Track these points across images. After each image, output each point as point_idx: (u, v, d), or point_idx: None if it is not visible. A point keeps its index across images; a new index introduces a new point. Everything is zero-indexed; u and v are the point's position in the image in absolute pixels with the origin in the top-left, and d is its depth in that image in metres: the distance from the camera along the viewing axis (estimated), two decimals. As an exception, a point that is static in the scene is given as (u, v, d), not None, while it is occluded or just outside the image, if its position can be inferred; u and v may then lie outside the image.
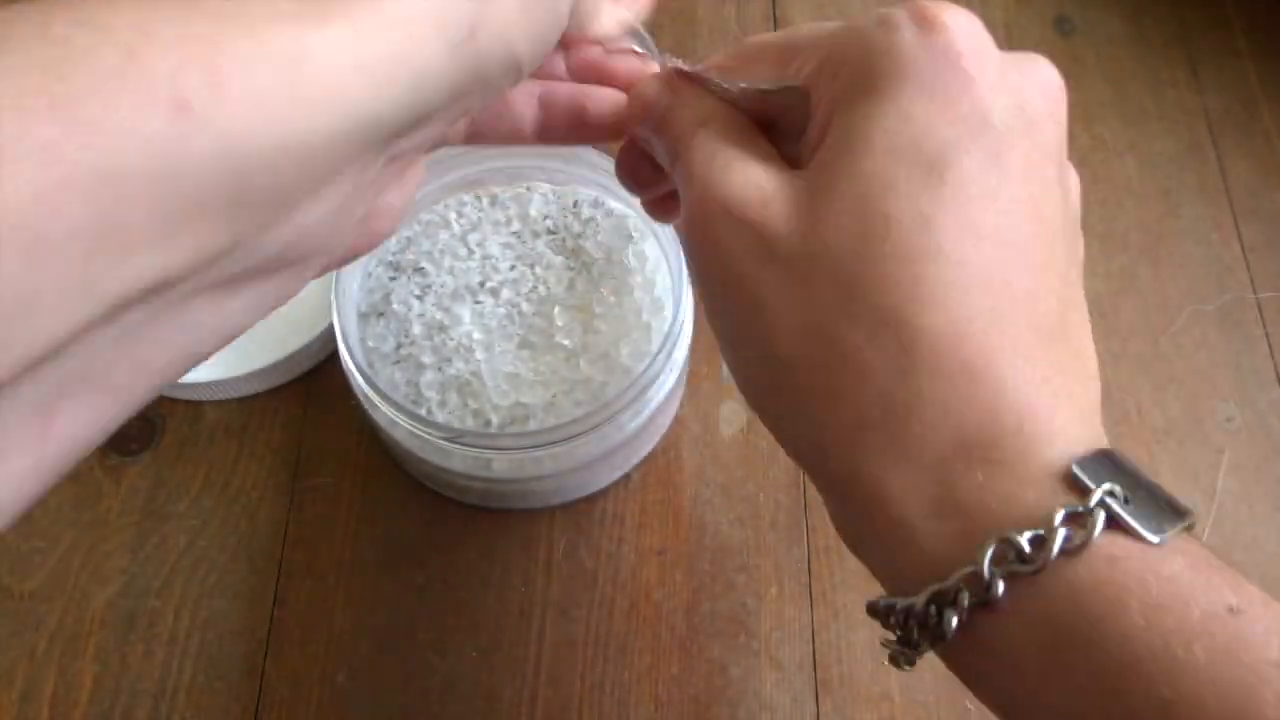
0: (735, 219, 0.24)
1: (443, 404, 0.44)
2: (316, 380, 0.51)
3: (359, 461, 0.49)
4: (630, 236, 0.48)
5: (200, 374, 0.48)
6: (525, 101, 0.30)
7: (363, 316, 0.46)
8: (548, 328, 0.45)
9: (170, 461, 0.49)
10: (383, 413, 0.42)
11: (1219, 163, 0.58)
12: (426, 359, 0.44)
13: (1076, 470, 0.21)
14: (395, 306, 0.46)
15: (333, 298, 0.43)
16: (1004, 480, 0.21)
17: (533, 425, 0.44)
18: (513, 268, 0.47)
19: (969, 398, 0.22)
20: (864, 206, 0.23)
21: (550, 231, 0.48)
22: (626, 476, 0.49)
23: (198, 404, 0.50)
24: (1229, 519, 0.48)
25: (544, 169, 0.49)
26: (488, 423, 0.44)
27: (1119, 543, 0.21)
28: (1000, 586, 0.20)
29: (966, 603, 0.21)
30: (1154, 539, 0.21)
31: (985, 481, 0.22)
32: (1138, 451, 0.50)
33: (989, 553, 0.21)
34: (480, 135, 0.30)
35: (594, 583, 0.47)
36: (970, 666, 0.22)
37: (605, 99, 0.30)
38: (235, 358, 0.49)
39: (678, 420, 0.50)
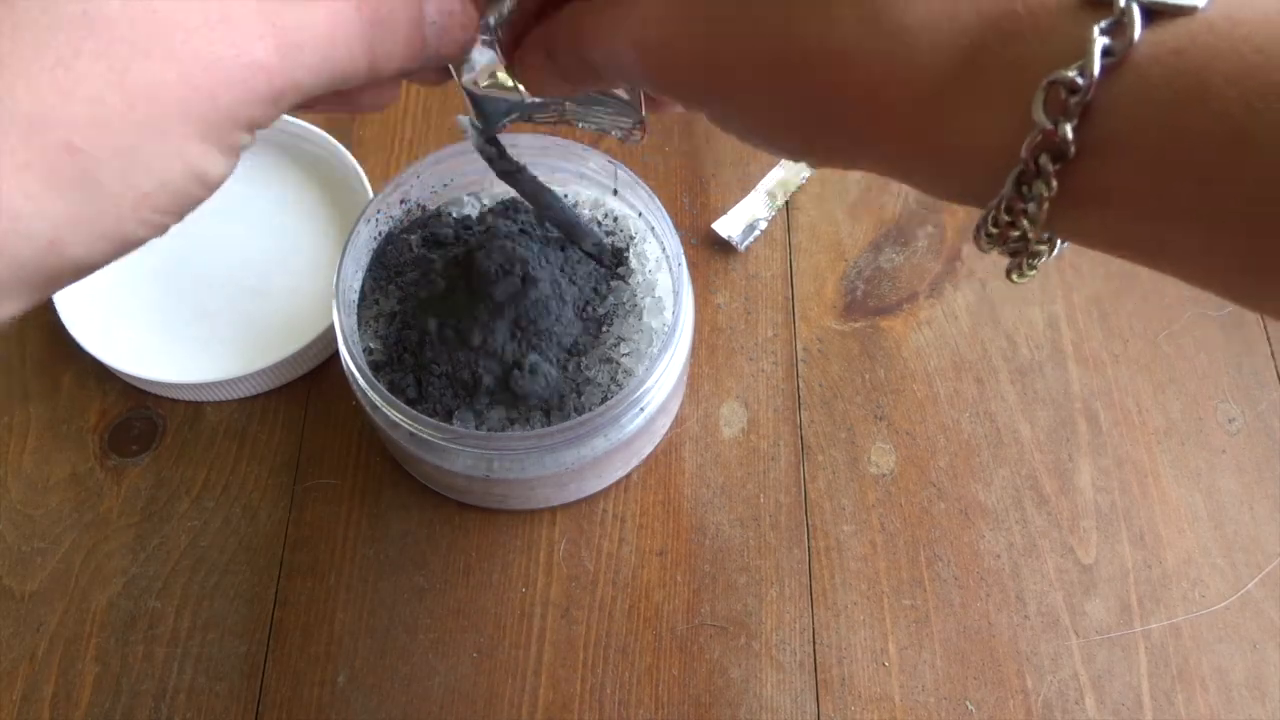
0: None
1: (443, 405, 0.44)
2: (317, 381, 0.51)
3: (359, 462, 0.49)
4: (630, 237, 0.48)
5: (200, 375, 0.48)
6: None
7: (363, 317, 0.46)
8: (548, 329, 0.45)
9: (171, 462, 0.49)
10: (383, 413, 0.42)
11: (1219, 163, 0.58)
12: (426, 359, 0.44)
13: None
14: (395, 307, 0.46)
15: (333, 298, 0.43)
16: (1042, 27, 0.21)
17: (533, 426, 0.44)
18: (512, 269, 0.46)
19: None
20: None
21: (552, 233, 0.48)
22: (627, 477, 0.49)
23: (198, 405, 0.50)
24: (1230, 520, 0.48)
25: (544, 169, 0.49)
26: (488, 423, 0.44)
27: (1171, 30, 0.20)
28: (1096, 63, 0.20)
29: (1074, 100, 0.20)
30: (1199, 2, 0.20)
31: (1022, 39, 0.21)
32: (1138, 452, 0.50)
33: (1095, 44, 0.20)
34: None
35: (594, 583, 0.47)
36: (1089, 188, 0.21)
37: (369, 92, 0.29)
38: (235, 359, 0.49)
39: (678, 421, 0.50)
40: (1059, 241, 0.24)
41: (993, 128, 0.22)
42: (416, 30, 0.27)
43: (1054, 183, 0.21)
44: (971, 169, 0.23)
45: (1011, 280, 0.25)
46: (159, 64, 0.22)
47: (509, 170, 0.40)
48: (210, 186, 0.24)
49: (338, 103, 0.29)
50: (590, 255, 0.45)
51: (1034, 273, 0.25)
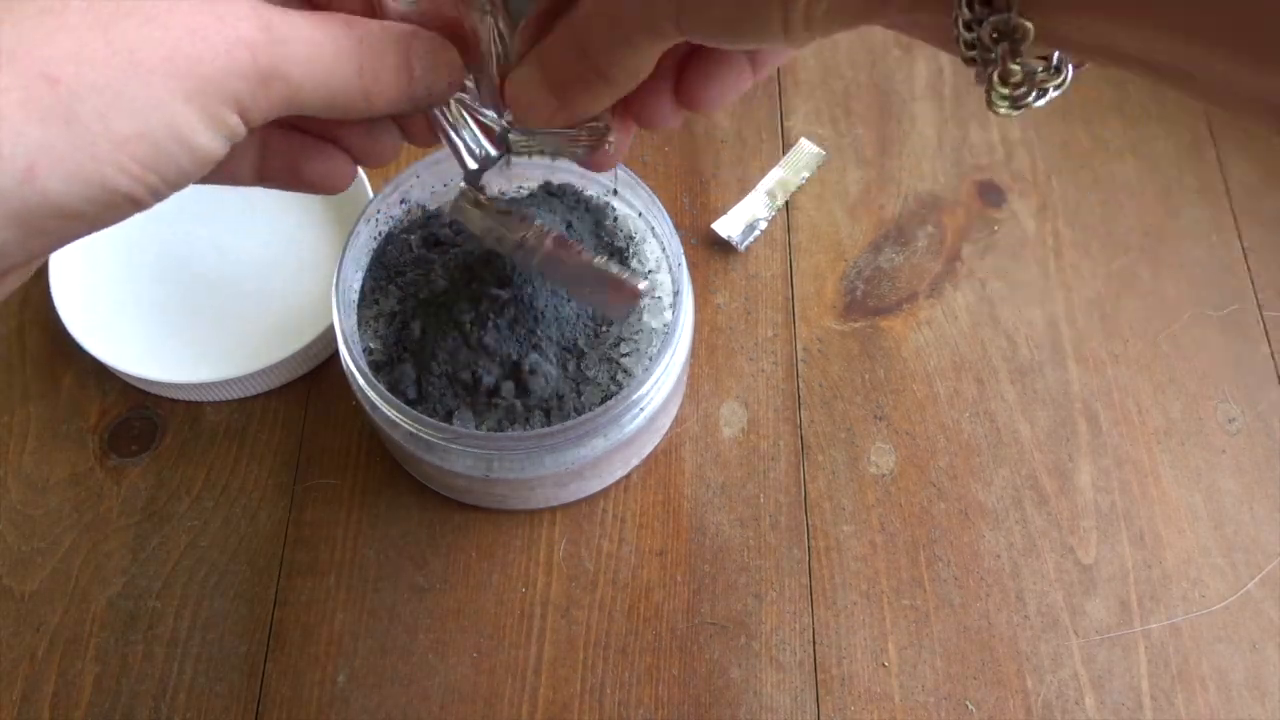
0: None
1: (443, 405, 0.44)
2: (316, 380, 0.51)
3: (359, 462, 0.49)
4: (630, 238, 0.48)
5: (200, 375, 0.48)
6: (246, 146, 0.29)
7: (363, 317, 0.46)
8: (548, 329, 0.45)
9: (171, 462, 0.49)
10: (383, 413, 0.42)
11: (1219, 163, 0.58)
12: (426, 360, 0.44)
13: None
14: (395, 307, 0.46)
15: (333, 298, 0.43)
16: None
17: (533, 426, 0.44)
18: (513, 269, 0.46)
19: None
20: None
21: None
22: (627, 477, 0.49)
23: (198, 405, 0.50)
24: (1230, 520, 0.48)
25: (544, 168, 0.49)
26: (488, 423, 0.44)
27: None
28: None
29: None
30: None
31: None
32: (1138, 452, 0.50)
33: None
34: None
35: (594, 583, 0.47)
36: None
37: (320, 163, 0.31)
38: (235, 358, 0.49)
39: (678, 421, 0.50)
40: (1056, 67, 0.23)
41: None
42: (405, 62, 0.27)
43: None
44: None
45: (993, 107, 0.23)
46: (143, 23, 0.23)
47: (519, 242, 0.38)
48: (196, 156, 0.24)
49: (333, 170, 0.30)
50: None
51: (1010, 102, 0.23)
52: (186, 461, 0.49)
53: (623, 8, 0.25)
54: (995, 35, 0.21)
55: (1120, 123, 0.59)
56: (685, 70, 0.30)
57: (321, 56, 0.26)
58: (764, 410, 0.51)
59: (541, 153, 0.34)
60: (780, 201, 0.56)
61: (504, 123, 0.33)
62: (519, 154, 0.35)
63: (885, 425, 0.50)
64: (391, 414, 0.42)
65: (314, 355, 0.51)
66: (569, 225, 0.46)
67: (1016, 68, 0.22)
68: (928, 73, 0.60)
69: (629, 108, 0.31)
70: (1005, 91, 0.23)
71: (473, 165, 0.35)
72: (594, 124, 0.32)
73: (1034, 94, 0.23)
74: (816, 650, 0.45)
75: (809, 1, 0.23)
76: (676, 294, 0.45)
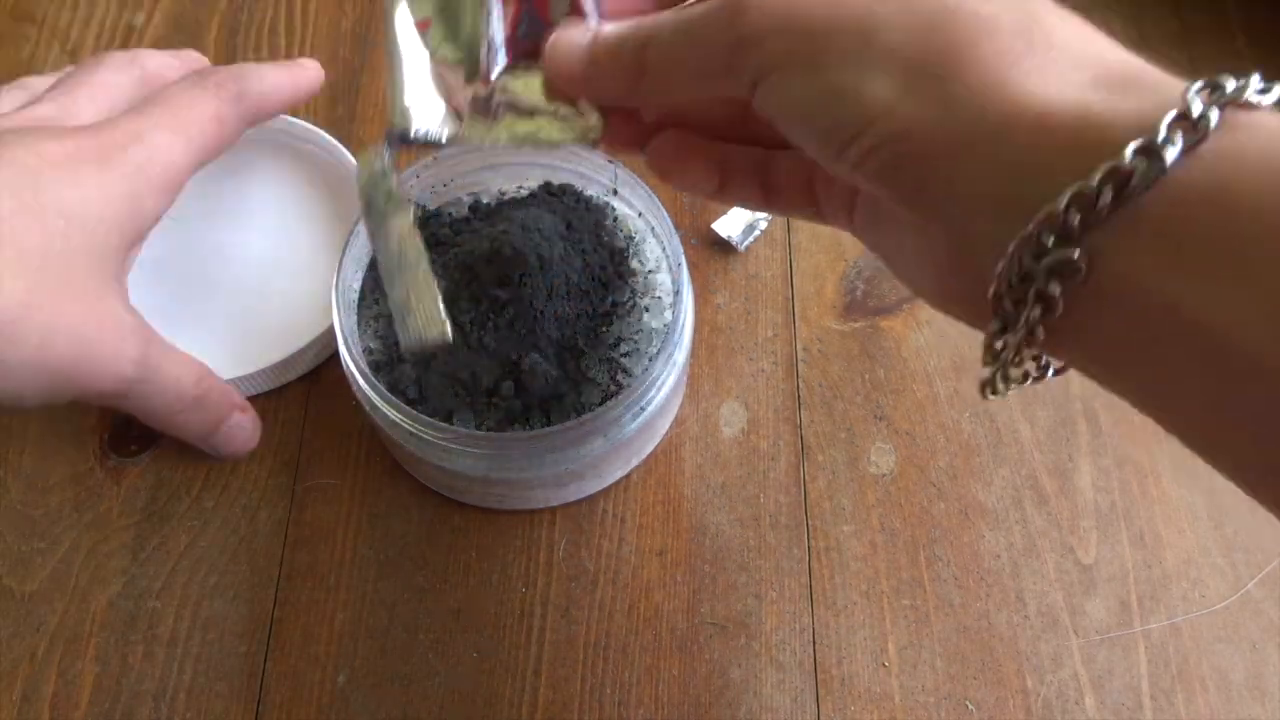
0: None
1: (443, 405, 0.44)
2: (317, 380, 0.51)
3: (359, 462, 0.49)
4: (630, 238, 0.48)
5: (201, 375, 0.48)
6: None
7: (363, 317, 0.46)
8: (548, 328, 0.45)
9: (171, 462, 0.49)
10: (383, 413, 0.42)
11: (1219, 163, 0.58)
12: (426, 359, 0.44)
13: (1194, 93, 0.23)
14: (395, 307, 0.46)
15: (333, 298, 0.43)
16: (1141, 96, 0.23)
17: (533, 426, 0.44)
18: (514, 268, 0.46)
19: (1098, 42, 0.26)
20: None
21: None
22: (627, 477, 0.49)
23: (198, 405, 0.50)
24: (1230, 520, 0.48)
25: (544, 168, 0.49)
26: (488, 423, 0.44)
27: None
28: (1178, 144, 0.21)
29: (1149, 163, 0.22)
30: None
31: (1125, 98, 0.23)
32: (1138, 452, 0.50)
33: (1165, 119, 0.22)
34: None
35: (594, 583, 0.47)
36: (1126, 265, 0.23)
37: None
38: (235, 358, 0.49)
39: (678, 421, 0.50)
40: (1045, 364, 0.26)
41: (1114, 116, 0.23)
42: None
43: (1156, 170, 0.22)
44: (1058, 153, 0.23)
45: (987, 394, 0.27)
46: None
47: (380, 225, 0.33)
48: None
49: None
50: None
51: (1013, 386, 0.26)
52: (186, 461, 0.49)
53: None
54: (1046, 268, 0.23)
55: (1120, 123, 0.59)
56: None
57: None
58: (764, 410, 0.51)
59: (507, 140, 0.31)
60: (780, 201, 0.56)
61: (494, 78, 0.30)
62: (475, 139, 0.31)
63: (885, 425, 0.50)
64: (391, 414, 0.42)
65: (314, 355, 0.51)
66: (569, 225, 0.46)
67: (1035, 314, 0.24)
68: (928, 73, 0.60)
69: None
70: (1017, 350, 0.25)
71: (407, 124, 0.29)
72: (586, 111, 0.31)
73: (1026, 377, 0.26)
74: (816, 650, 0.45)
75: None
76: (676, 294, 0.45)
